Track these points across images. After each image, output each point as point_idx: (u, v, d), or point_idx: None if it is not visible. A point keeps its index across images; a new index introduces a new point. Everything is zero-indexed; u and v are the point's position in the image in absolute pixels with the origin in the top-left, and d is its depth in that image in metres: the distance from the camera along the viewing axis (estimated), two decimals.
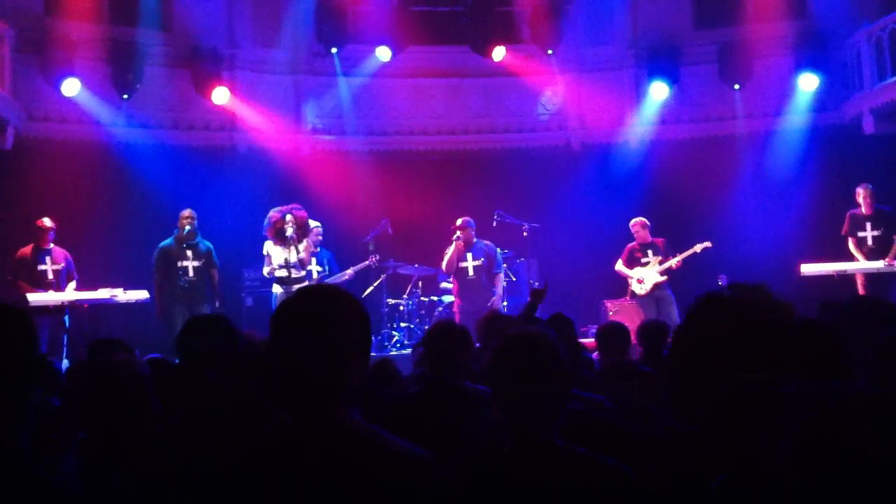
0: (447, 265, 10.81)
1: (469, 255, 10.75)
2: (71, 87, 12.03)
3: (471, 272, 10.71)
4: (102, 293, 10.02)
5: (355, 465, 2.01)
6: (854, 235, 10.93)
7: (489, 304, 10.30)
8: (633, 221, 11.43)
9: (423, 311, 11.78)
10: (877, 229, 10.81)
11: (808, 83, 13.03)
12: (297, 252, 10.16)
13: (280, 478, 2.02)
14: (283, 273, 10.17)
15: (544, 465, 2.54)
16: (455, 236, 10.69)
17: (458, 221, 10.79)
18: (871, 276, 10.69)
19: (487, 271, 10.75)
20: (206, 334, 3.55)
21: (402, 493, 2.02)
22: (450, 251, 10.74)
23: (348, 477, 2.00)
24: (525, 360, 2.63)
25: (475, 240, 10.84)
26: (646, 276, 11.16)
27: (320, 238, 11.00)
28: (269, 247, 10.31)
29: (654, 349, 6.32)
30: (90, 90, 12.35)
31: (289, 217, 10.09)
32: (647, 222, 11.41)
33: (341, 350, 2.08)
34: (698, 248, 11.08)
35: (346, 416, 2.09)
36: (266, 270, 10.38)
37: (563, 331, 5.04)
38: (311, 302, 2.15)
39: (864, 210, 10.91)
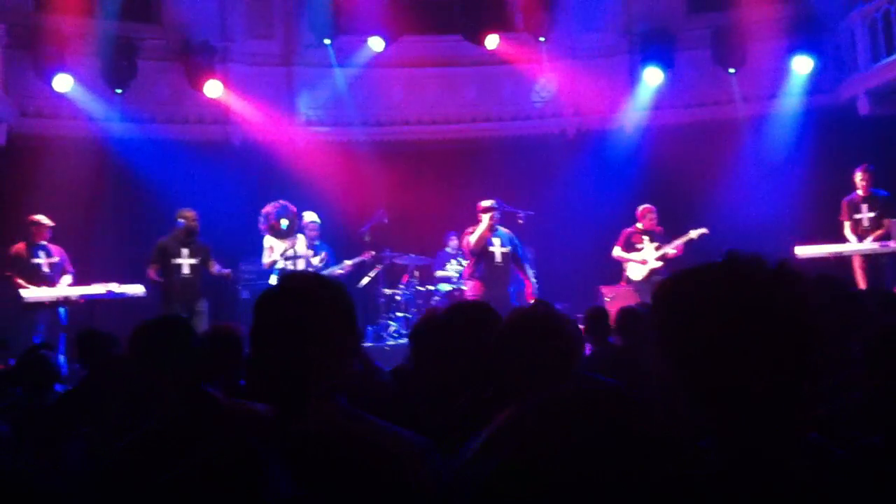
0: (478, 241, 10.06)
1: (497, 241, 10.18)
2: (63, 83, 12.00)
3: (498, 258, 10.15)
4: (97, 288, 9.99)
5: (339, 453, 1.99)
6: (850, 219, 10.91)
7: (531, 293, 10.10)
8: (643, 207, 11.35)
9: (419, 301, 11.75)
10: (872, 211, 10.80)
11: (802, 66, 13.01)
12: (295, 245, 10.24)
13: (269, 469, 1.99)
14: (283, 265, 10.23)
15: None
16: (488, 215, 10.05)
17: (487, 203, 10.21)
18: (867, 258, 10.67)
19: (514, 259, 10.27)
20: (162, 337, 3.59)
21: (390, 478, 2.00)
22: (481, 228, 10.06)
23: (334, 465, 1.98)
24: None
25: (497, 225, 10.27)
26: (647, 258, 11.13)
27: (317, 232, 11.00)
28: (271, 240, 10.39)
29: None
30: (83, 85, 12.33)
31: (284, 220, 10.20)
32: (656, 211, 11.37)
33: (321, 336, 2.05)
34: (694, 234, 11.03)
35: (326, 403, 2.06)
36: (268, 262, 10.46)
37: None
38: (289, 290, 2.13)
39: (860, 192, 10.89)
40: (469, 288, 10.48)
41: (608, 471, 1.72)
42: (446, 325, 4.02)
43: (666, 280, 1.65)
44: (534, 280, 10.37)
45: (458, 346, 3.77)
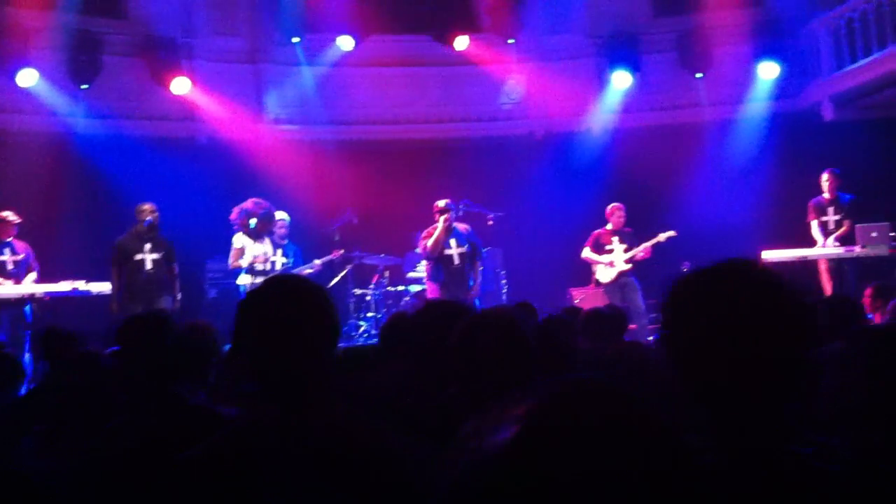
0: (434, 245, 9.99)
1: (453, 241, 10.10)
2: (27, 78, 11.81)
3: (456, 260, 10.07)
4: (63, 286, 9.83)
5: (346, 455, 1.99)
6: (818, 219, 11.06)
7: (472, 295, 10.01)
8: (611, 206, 11.40)
9: (389, 301, 11.73)
10: (837, 214, 10.96)
11: (767, 71, 13.18)
12: (267, 245, 10.10)
13: (266, 469, 1.97)
14: (258, 266, 10.01)
15: None
16: (443, 217, 10.00)
17: (441, 203, 10.16)
18: (832, 262, 10.82)
19: (471, 259, 10.18)
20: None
21: (389, 479, 2.00)
22: (438, 231, 9.99)
23: (340, 466, 1.98)
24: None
25: (454, 224, 10.24)
26: (615, 260, 11.18)
27: (286, 231, 10.81)
28: (244, 239, 10.13)
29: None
30: (46, 80, 12.13)
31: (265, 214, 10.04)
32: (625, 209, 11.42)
33: (318, 339, 2.07)
34: (662, 237, 11.12)
35: (324, 404, 2.05)
36: (238, 263, 10.12)
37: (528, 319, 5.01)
38: (284, 292, 2.13)
39: (826, 195, 11.04)
40: (429, 291, 10.42)
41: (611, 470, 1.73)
42: (416, 326, 4.03)
43: (677, 281, 1.70)
44: (479, 281, 10.32)
45: (427, 345, 3.78)
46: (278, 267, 10.47)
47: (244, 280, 10.07)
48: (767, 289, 1.61)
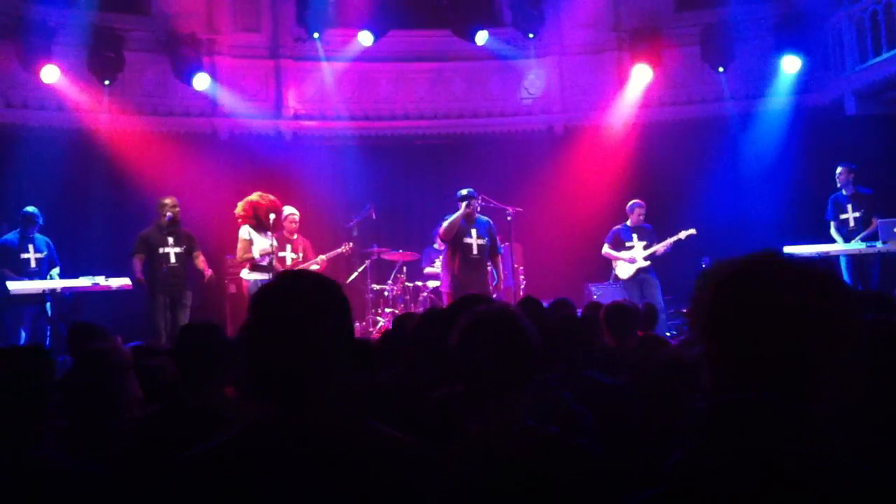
0: (448, 227, 9.83)
1: (473, 231, 9.90)
2: (50, 74, 11.91)
3: (475, 250, 9.88)
4: (84, 281, 9.92)
5: (348, 455, 1.98)
6: (836, 219, 10.97)
7: (492, 288, 9.90)
8: (631, 203, 11.33)
9: (407, 297, 11.74)
10: (857, 210, 10.85)
11: (790, 65, 13.05)
12: (275, 240, 10.07)
13: (267, 469, 1.98)
14: (265, 260, 10.03)
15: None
16: (466, 204, 9.83)
17: (464, 191, 10.01)
18: (854, 258, 10.73)
19: (490, 251, 10.02)
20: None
21: (391, 480, 2.00)
22: (454, 216, 9.84)
23: (341, 466, 1.97)
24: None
25: (477, 215, 10.06)
26: (636, 256, 11.14)
27: (296, 225, 10.74)
28: (251, 232, 10.08)
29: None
30: (69, 76, 12.23)
31: (266, 204, 10.00)
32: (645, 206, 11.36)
33: (321, 338, 2.03)
34: (682, 234, 11.07)
35: (333, 405, 2.05)
36: (247, 255, 10.06)
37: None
38: (296, 289, 2.10)
39: (843, 191, 10.95)
40: (443, 282, 10.21)
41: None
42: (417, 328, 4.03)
43: (715, 275, 1.63)
44: (502, 276, 10.22)
45: (425, 346, 3.78)
46: (288, 262, 10.44)
47: (251, 276, 10.05)
48: (823, 283, 1.57)
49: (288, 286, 2.12)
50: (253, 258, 10.04)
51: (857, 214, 10.85)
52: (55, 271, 10.25)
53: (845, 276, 10.67)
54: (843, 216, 10.93)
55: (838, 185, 11.00)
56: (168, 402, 3.54)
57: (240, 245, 10.13)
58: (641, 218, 11.26)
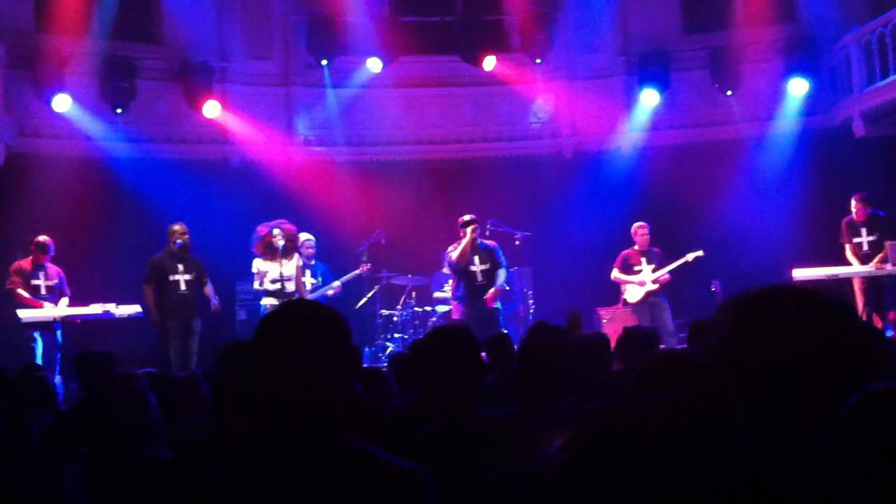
0: (460, 256, 10.18)
1: (476, 259, 10.30)
2: (62, 103, 12.03)
3: (479, 277, 10.27)
4: (95, 308, 9.99)
5: (353, 484, 2.00)
6: (850, 242, 10.88)
7: (484, 304, 10.17)
8: (636, 225, 11.37)
9: (416, 322, 11.76)
10: (872, 234, 10.74)
11: (798, 87, 13.07)
12: (289, 266, 10.15)
13: (275, 497, 2.00)
14: (276, 287, 10.11)
15: None
16: (469, 228, 10.18)
17: (466, 217, 10.36)
18: (866, 280, 10.65)
19: (490, 276, 10.32)
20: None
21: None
22: (465, 242, 10.19)
23: (346, 495, 1.99)
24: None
25: (478, 241, 10.42)
26: (645, 280, 11.13)
27: (312, 251, 10.97)
28: (260, 263, 10.25)
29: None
30: (81, 105, 12.35)
31: (276, 231, 10.07)
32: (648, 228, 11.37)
33: (334, 367, 2.06)
34: (690, 256, 11.07)
35: (329, 433, 2.07)
36: (256, 288, 10.35)
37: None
38: (300, 318, 2.11)
39: (857, 217, 10.87)
40: (453, 310, 10.57)
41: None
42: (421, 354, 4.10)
43: (736, 305, 1.68)
44: (505, 286, 10.56)
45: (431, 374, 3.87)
46: (308, 287, 10.60)
47: (267, 302, 10.19)
48: (841, 315, 1.62)
49: (295, 315, 2.14)
50: (265, 289, 10.19)
51: (871, 238, 10.72)
52: (64, 301, 10.31)
53: (858, 299, 10.60)
54: (856, 239, 10.82)
55: (853, 214, 10.89)
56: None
57: (254, 278, 10.39)
58: (646, 239, 11.26)
